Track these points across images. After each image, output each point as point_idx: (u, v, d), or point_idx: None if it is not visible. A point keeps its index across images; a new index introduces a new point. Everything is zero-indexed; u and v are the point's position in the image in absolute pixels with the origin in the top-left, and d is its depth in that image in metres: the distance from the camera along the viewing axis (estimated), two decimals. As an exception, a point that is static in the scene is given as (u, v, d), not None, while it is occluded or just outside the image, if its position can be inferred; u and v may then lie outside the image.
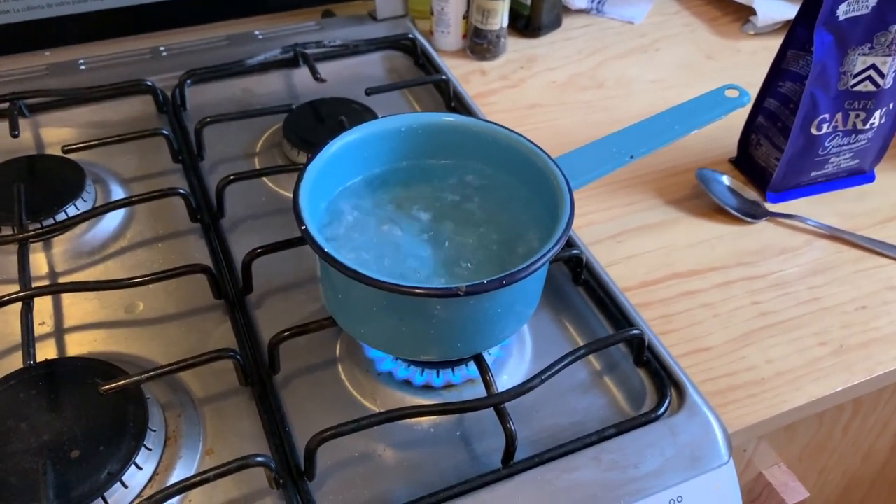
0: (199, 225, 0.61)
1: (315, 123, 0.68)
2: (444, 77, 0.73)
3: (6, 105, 0.67)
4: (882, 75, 0.61)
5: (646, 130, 0.53)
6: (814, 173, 0.67)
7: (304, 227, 0.43)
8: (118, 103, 0.71)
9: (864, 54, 0.60)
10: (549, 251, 0.43)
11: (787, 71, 0.64)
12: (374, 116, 0.69)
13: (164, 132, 0.64)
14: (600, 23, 0.90)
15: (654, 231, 0.64)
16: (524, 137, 0.51)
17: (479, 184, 0.51)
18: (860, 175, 0.70)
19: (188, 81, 0.72)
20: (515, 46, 0.85)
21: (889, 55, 0.60)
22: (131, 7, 0.78)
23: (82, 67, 0.74)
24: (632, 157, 0.52)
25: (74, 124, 0.71)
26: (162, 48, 0.77)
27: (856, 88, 0.62)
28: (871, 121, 0.64)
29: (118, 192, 0.64)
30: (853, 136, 0.65)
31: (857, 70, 0.61)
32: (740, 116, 0.67)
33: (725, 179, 0.67)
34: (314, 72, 0.71)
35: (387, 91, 0.71)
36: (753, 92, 0.65)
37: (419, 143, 0.51)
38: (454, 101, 0.73)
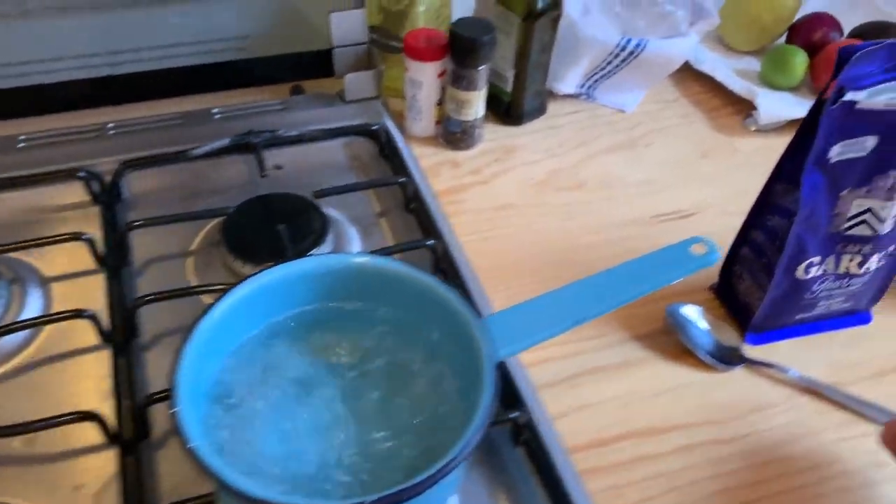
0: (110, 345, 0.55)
1: (257, 227, 0.63)
2: (402, 179, 0.67)
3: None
4: (880, 220, 0.54)
5: (594, 290, 0.46)
6: (800, 315, 0.60)
7: (190, 446, 0.37)
8: (53, 189, 0.66)
9: (860, 197, 0.53)
10: (450, 462, 0.37)
11: (774, 205, 0.57)
12: (321, 217, 0.64)
13: (85, 237, 0.59)
14: (589, 110, 0.83)
15: (615, 374, 0.58)
16: (451, 292, 0.44)
17: (394, 338, 0.46)
18: (855, 315, 0.62)
19: (129, 169, 0.67)
20: (494, 134, 0.79)
21: (889, 199, 0.53)
22: (87, 80, 0.74)
23: (21, 145, 0.69)
24: (577, 321, 0.45)
25: (5, 208, 0.66)
26: (111, 125, 0.72)
27: (850, 232, 0.55)
28: (868, 265, 0.57)
29: (35, 297, 0.59)
30: (846, 279, 0.58)
31: (851, 213, 0.54)
32: (729, 233, 0.61)
33: (699, 317, 0.60)
34: (262, 168, 0.66)
35: (336, 194, 0.65)
36: (748, 200, 0.59)
37: (326, 286, 0.46)
38: (413, 203, 0.67)
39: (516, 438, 0.51)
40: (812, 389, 0.57)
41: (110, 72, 0.74)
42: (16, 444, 0.50)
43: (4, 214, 0.66)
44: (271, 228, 0.62)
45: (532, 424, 0.51)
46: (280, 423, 0.42)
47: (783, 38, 0.90)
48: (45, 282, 0.61)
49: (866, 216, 0.54)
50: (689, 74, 0.88)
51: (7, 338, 0.56)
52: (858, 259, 0.56)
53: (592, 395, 0.56)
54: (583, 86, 0.83)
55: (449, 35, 0.70)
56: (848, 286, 0.58)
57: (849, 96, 0.49)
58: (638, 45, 0.78)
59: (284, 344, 0.45)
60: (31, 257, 0.62)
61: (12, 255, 0.61)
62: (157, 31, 0.73)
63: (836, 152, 0.51)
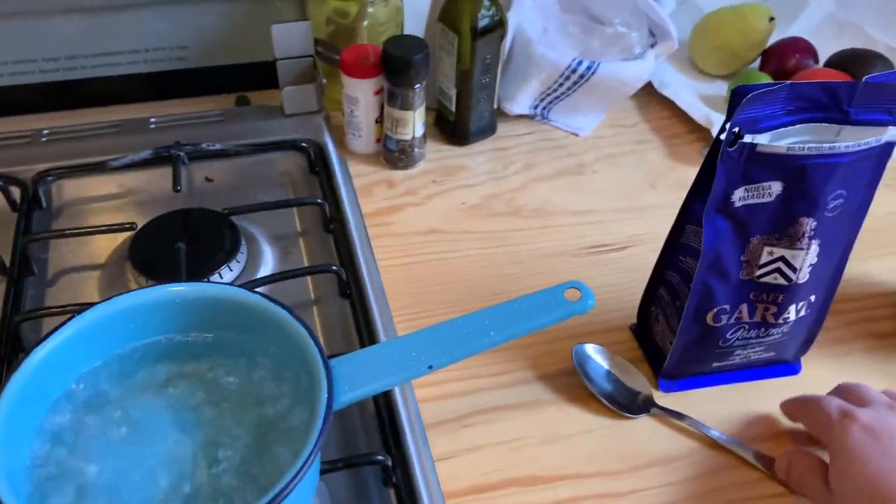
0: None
1: (166, 243, 0.62)
2: (318, 200, 0.65)
3: None
4: (794, 269, 0.51)
5: (455, 333, 0.44)
6: (716, 364, 0.57)
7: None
8: (-25, 195, 0.66)
9: (770, 245, 0.50)
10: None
11: (686, 246, 0.54)
12: (235, 235, 0.63)
13: (-15, 246, 0.59)
14: (542, 132, 0.81)
15: (511, 415, 0.55)
16: (306, 330, 0.42)
17: (236, 369, 0.44)
18: (781, 366, 0.59)
19: (50, 178, 0.67)
20: (437, 154, 0.77)
21: (801, 249, 0.50)
22: (27, 85, 0.74)
23: (-47, 149, 0.70)
24: (430, 367, 0.43)
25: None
26: (46, 131, 0.72)
27: (763, 280, 0.51)
28: (786, 315, 0.53)
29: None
30: (763, 329, 0.54)
31: (763, 261, 0.51)
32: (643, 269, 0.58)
33: (606, 360, 0.57)
34: (176, 182, 0.64)
35: (246, 212, 0.64)
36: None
37: (165, 318, 0.44)
38: (333, 224, 0.66)
39: (387, 481, 0.49)
40: (720, 444, 0.54)
41: (51, 78, 0.74)
42: None
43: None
44: (180, 246, 0.61)
45: (407, 467, 0.49)
46: (114, 462, 0.40)
47: (757, 64, 0.86)
48: (-51, 289, 0.61)
49: (779, 264, 0.51)
50: (654, 98, 0.85)
51: None
52: (773, 309, 0.53)
53: (483, 437, 0.54)
54: (536, 107, 0.80)
55: (382, 53, 0.68)
56: (767, 336, 0.55)
57: (749, 138, 0.46)
58: (589, 68, 0.75)
59: (118, 380, 0.43)
60: (-58, 263, 0.62)
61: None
62: (98, 38, 0.72)
63: (740, 196, 0.48)
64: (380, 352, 0.44)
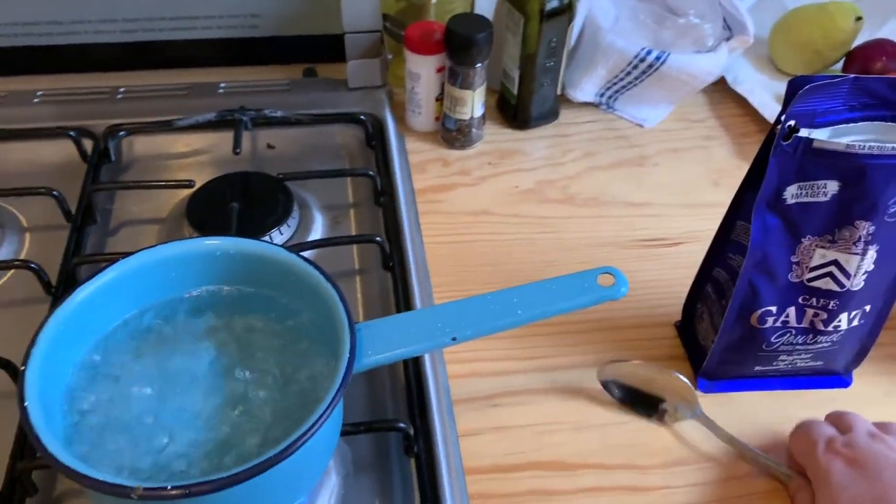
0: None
1: (222, 203, 0.63)
2: (370, 172, 0.66)
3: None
4: (847, 275, 0.48)
5: (482, 309, 0.43)
6: (759, 368, 0.55)
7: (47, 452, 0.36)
8: (49, 144, 0.69)
9: (822, 247, 0.48)
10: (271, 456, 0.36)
11: (736, 242, 0.52)
12: (289, 200, 0.64)
13: (54, 193, 0.62)
14: (606, 121, 0.79)
15: (540, 400, 0.55)
16: (337, 293, 0.43)
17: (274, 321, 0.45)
18: (830, 377, 0.56)
19: (121, 133, 0.70)
20: (496, 136, 0.76)
21: (857, 254, 0.47)
22: (106, 45, 0.77)
23: (36, 100, 0.73)
24: (454, 338, 0.43)
25: (11, 158, 0.70)
26: (122, 89, 0.75)
27: (813, 284, 0.49)
28: (836, 323, 0.51)
29: (10, 242, 0.63)
30: (811, 335, 0.52)
31: (814, 263, 0.49)
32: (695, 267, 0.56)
33: (627, 374, 0.55)
34: (236, 144, 0.66)
35: (300, 179, 0.65)
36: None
37: (205, 270, 0.46)
38: (384, 197, 0.66)
39: (408, 449, 0.50)
40: (745, 456, 0.52)
41: (130, 38, 0.76)
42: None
43: (10, 164, 0.70)
44: (234, 206, 0.63)
45: (430, 437, 0.50)
46: (145, 406, 0.42)
47: (840, 65, 0.82)
48: (23, 230, 0.64)
49: (831, 268, 0.48)
50: (727, 94, 0.82)
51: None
52: (823, 315, 0.50)
53: (510, 417, 0.54)
54: (601, 95, 0.79)
55: (445, 30, 0.68)
56: (814, 343, 0.52)
57: (805, 133, 0.44)
58: (658, 59, 0.73)
59: (160, 326, 0.45)
60: (16, 206, 0.65)
61: (0, 202, 0.65)
62: (176, 2, 0.75)
63: (793, 193, 0.46)
64: (406, 320, 0.44)
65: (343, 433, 0.46)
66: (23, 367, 0.39)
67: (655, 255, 0.65)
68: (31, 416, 0.37)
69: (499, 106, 0.79)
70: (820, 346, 0.53)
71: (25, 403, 0.38)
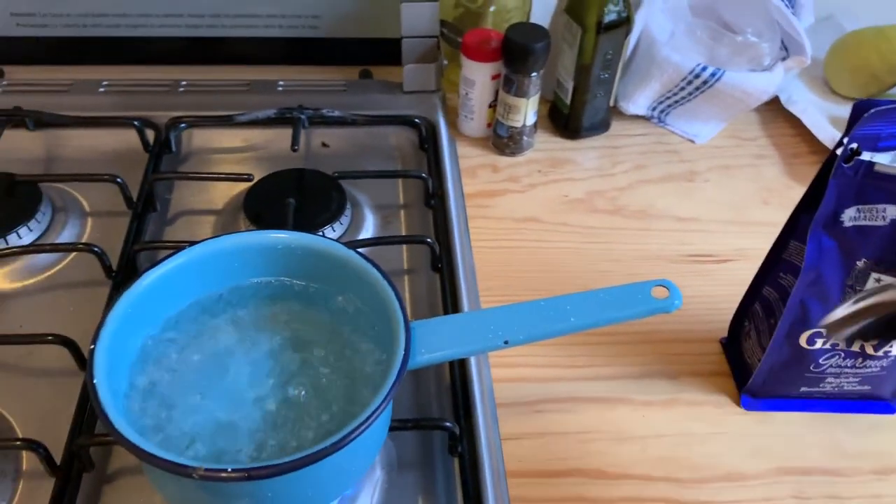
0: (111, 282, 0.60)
1: (278, 198, 0.65)
2: (422, 174, 0.67)
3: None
4: (902, 301, 0.48)
5: (535, 314, 0.44)
6: (805, 389, 0.55)
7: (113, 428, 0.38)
8: (112, 133, 0.72)
9: (878, 271, 0.48)
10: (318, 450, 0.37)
11: (787, 262, 0.52)
12: (342, 198, 0.65)
13: (118, 180, 0.64)
14: (657, 135, 0.79)
15: (584, 408, 0.55)
16: (393, 292, 0.44)
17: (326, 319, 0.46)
18: (877, 402, 0.56)
19: (182, 125, 0.72)
20: (547, 145, 0.77)
21: (913, 280, 0.47)
22: (171, 38, 0.79)
23: (102, 90, 0.76)
24: (506, 342, 0.44)
25: (77, 144, 0.72)
26: (184, 82, 0.77)
27: (866, 307, 0.49)
28: (888, 349, 0.51)
29: (73, 226, 0.65)
30: (860, 359, 0.52)
31: (867, 288, 0.49)
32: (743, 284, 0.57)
33: None
34: (294, 142, 0.68)
35: (354, 178, 0.67)
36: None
37: (267, 262, 0.47)
38: (434, 200, 0.67)
39: (452, 449, 0.50)
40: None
41: (194, 33, 0.78)
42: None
43: (74, 150, 0.72)
44: (290, 202, 0.64)
45: (474, 438, 0.50)
46: (206, 390, 0.44)
47: (896, 90, 0.81)
48: (84, 214, 0.66)
49: (886, 293, 0.48)
50: (780, 114, 0.82)
51: (40, 256, 0.61)
52: (874, 341, 0.50)
53: (553, 424, 0.54)
54: (654, 108, 0.79)
55: (503, 39, 0.69)
56: (863, 367, 0.52)
57: (867, 156, 0.44)
58: (713, 75, 0.73)
59: (221, 312, 0.46)
60: (79, 190, 0.68)
61: (64, 186, 0.67)
62: (240, 0, 0.77)
63: (851, 216, 0.46)
64: (459, 321, 0.45)
65: (391, 428, 0.47)
66: (92, 346, 0.41)
67: (703, 270, 0.65)
68: (99, 393, 0.39)
69: (550, 115, 0.80)
70: (868, 370, 0.53)
71: (95, 381, 0.39)
